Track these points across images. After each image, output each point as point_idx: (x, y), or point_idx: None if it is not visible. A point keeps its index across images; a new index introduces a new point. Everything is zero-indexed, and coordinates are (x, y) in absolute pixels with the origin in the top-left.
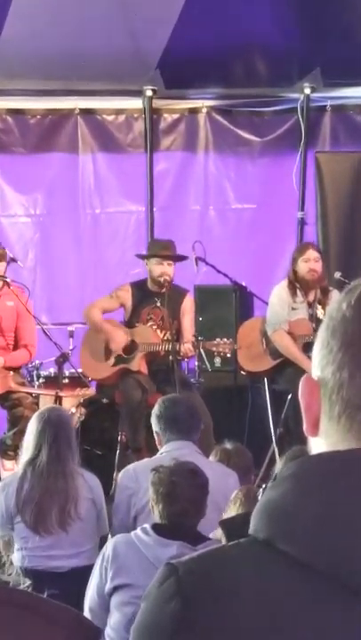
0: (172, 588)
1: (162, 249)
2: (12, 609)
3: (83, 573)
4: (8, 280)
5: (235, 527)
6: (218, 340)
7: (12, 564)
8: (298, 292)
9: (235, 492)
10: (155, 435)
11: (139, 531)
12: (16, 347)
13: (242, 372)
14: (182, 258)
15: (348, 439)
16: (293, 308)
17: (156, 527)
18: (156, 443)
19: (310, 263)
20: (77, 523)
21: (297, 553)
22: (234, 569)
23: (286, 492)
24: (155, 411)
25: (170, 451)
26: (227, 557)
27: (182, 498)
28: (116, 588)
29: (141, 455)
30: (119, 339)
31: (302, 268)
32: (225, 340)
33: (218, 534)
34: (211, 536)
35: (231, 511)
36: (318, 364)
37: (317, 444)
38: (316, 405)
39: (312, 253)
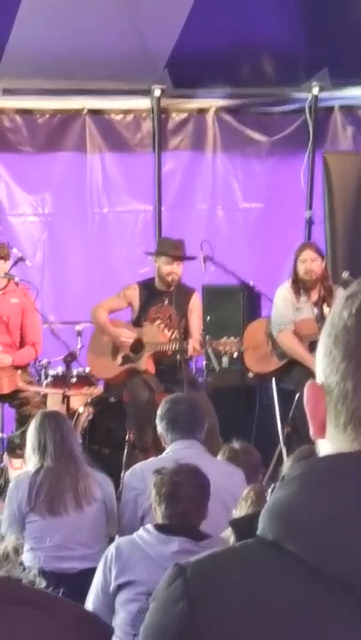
0: (180, 590)
1: (172, 248)
2: (22, 607)
3: (91, 575)
4: (17, 280)
5: (245, 527)
6: (225, 338)
7: (22, 565)
8: (301, 291)
9: (246, 490)
10: (160, 436)
11: (141, 531)
12: (22, 344)
13: (249, 375)
14: (192, 258)
15: (353, 447)
16: (298, 308)
17: (157, 526)
18: (162, 443)
19: (307, 264)
20: (90, 514)
21: (304, 554)
22: (241, 570)
23: (294, 492)
24: (158, 412)
25: (176, 450)
26: (234, 558)
27: (184, 499)
28: (120, 587)
29: (149, 455)
30: (125, 337)
31: (300, 268)
32: (232, 338)
33: (227, 533)
34: (223, 535)
35: (242, 509)
36: (322, 371)
37: (325, 447)
38: (322, 411)
39: (308, 254)
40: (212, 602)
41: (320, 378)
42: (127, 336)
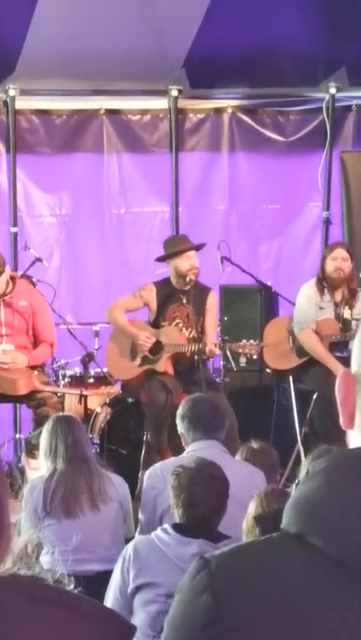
0: (204, 582)
1: (182, 243)
2: (43, 605)
3: (109, 577)
4: (34, 280)
5: (270, 522)
6: (245, 341)
7: (41, 567)
8: (326, 291)
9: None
10: (180, 435)
11: (159, 531)
12: (36, 344)
13: (267, 370)
14: (202, 246)
15: None
16: (321, 307)
17: (176, 527)
18: (183, 443)
19: (338, 262)
20: (109, 516)
21: (327, 547)
22: (265, 563)
23: (317, 486)
24: (179, 411)
25: (196, 450)
26: (258, 552)
27: (201, 504)
28: (138, 588)
29: (164, 455)
30: (144, 340)
31: (330, 266)
32: (252, 341)
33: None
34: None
35: (250, 510)
36: (356, 360)
37: (353, 438)
38: (352, 400)
39: (340, 252)
40: (235, 594)
41: (353, 367)
42: (147, 338)
